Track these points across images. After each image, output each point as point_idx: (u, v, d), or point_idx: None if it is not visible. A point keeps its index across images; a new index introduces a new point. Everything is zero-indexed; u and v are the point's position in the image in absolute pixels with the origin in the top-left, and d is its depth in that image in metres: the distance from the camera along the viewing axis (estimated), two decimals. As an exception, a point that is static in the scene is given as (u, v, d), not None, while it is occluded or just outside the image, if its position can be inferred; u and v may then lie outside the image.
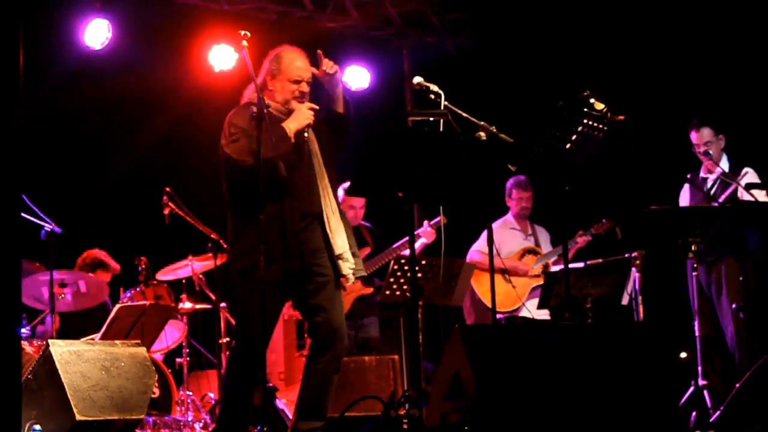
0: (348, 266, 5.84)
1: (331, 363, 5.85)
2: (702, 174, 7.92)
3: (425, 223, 8.31)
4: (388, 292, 7.63)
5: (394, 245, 8.29)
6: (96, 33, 9.08)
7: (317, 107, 5.81)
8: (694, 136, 7.94)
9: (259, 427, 5.21)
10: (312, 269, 5.78)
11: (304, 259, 5.74)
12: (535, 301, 8.13)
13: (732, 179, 7.64)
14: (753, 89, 9.38)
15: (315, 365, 5.84)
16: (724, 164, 7.88)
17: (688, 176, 7.85)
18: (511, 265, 8.64)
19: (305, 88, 5.90)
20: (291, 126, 5.69)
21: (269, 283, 5.50)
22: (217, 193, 6.00)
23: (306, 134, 5.78)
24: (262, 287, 5.45)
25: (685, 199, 7.96)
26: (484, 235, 7.25)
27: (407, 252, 8.34)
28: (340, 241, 5.83)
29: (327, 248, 5.80)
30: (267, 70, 5.93)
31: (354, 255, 5.92)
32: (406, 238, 8.08)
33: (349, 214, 8.39)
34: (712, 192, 7.80)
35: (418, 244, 8.32)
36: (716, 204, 7.50)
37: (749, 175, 7.72)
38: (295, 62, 5.91)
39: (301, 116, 5.74)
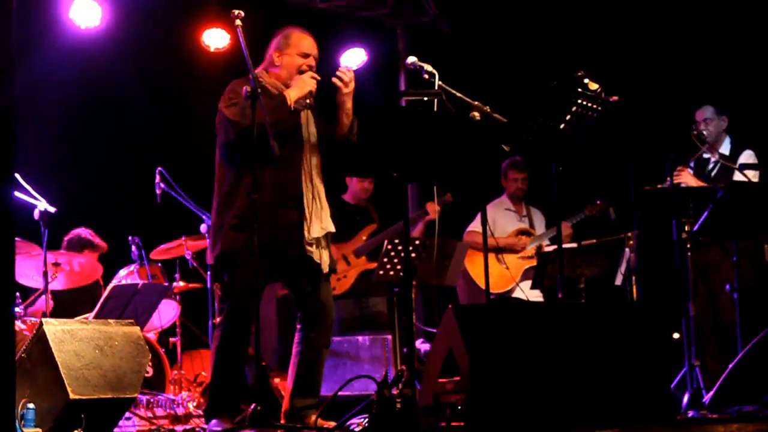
0: (323, 254, 5.86)
1: (321, 338, 5.89)
2: (704, 155, 7.89)
3: (428, 204, 8.36)
4: (381, 272, 7.62)
5: (398, 224, 8.29)
6: (86, 12, 9.00)
7: (319, 77, 5.81)
8: (696, 114, 7.94)
9: (253, 406, 5.21)
10: (295, 247, 5.79)
11: (283, 236, 5.74)
12: (529, 282, 8.14)
13: (730, 163, 7.63)
14: (757, 69, 9.34)
15: (305, 341, 5.89)
16: (726, 145, 7.88)
17: (689, 163, 7.81)
18: (508, 243, 8.65)
19: (312, 62, 5.94)
20: (292, 93, 5.73)
21: (250, 258, 5.49)
22: (209, 173, 6.00)
23: (308, 101, 5.79)
24: (246, 262, 5.53)
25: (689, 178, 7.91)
26: (480, 215, 7.26)
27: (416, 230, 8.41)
28: (315, 230, 5.82)
29: (299, 231, 5.80)
30: (275, 46, 5.98)
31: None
32: (412, 214, 8.18)
33: (357, 187, 8.46)
34: (713, 174, 7.80)
35: (420, 223, 8.41)
36: (715, 186, 7.49)
37: (745, 156, 7.71)
38: (305, 38, 5.99)
39: (302, 84, 5.77)
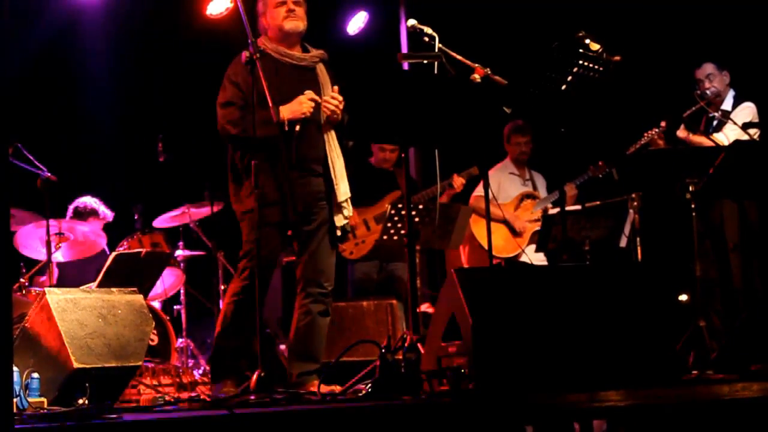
0: (345, 215, 5.88)
1: (317, 305, 5.88)
2: (710, 113, 7.85)
3: (454, 176, 8.32)
4: (385, 237, 7.61)
5: (422, 192, 8.26)
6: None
7: (319, 99, 5.77)
8: (697, 73, 7.89)
9: (257, 373, 5.20)
10: (310, 212, 5.78)
11: (303, 203, 5.74)
12: (535, 246, 8.12)
13: (730, 119, 7.59)
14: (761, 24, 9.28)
15: (302, 308, 5.90)
16: (729, 100, 7.84)
17: (685, 115, 7.77)
18: (511, 218, 8.63)
19: (292, 6, 5.87)
20: (284, 112, 5.67)
21: (269, 224, 5.62)
22: (211, 140, 5.99)
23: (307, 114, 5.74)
24: (262, 228, 5.59)
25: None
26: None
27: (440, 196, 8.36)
28: (344, 188, 5.86)
29: (328, 194, 5.81)
30: (258, 12, 5.95)
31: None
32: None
33: (379, 156, 8.41)
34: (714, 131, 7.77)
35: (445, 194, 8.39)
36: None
37: (745, 111, 7.68)
38: None
39: (297, 106, 5.70)
